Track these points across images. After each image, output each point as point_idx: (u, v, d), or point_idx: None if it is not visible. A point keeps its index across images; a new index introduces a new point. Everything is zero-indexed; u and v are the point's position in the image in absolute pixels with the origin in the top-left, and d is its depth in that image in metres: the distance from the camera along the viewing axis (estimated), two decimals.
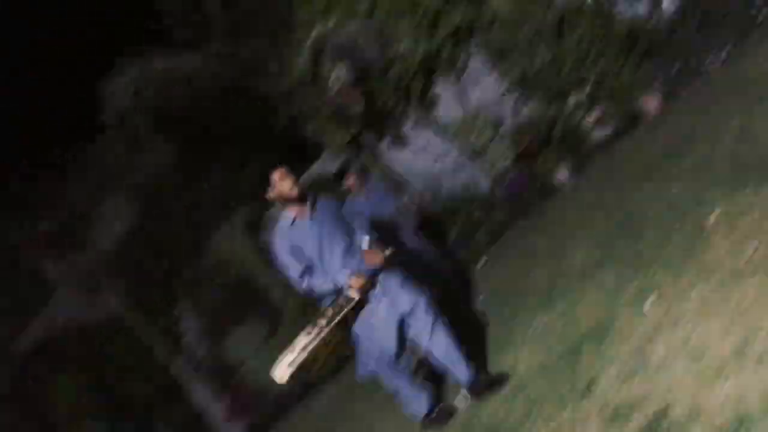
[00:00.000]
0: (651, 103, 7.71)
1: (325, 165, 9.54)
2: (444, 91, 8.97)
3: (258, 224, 10.37)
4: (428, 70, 8.68)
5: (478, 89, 8.89)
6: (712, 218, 3.98)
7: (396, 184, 9.12)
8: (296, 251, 4.26)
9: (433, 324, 4.24)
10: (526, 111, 8.51)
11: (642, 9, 8.19)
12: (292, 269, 4.28)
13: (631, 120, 7.91)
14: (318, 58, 8.50)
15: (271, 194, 4.32)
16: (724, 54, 7.47)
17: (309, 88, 8.73)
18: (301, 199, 4.32)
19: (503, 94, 8.64)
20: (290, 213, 4.33)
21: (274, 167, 4.33)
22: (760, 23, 7.35)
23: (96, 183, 10.63)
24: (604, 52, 7.88)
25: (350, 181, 6.69)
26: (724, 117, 5.51)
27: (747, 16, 7.49)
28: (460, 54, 8.71)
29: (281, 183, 4.27)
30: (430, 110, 9.05)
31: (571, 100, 8.23)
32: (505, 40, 8.27)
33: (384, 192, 7.76)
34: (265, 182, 4.33)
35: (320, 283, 4.24)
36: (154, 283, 10.99)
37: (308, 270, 4.25)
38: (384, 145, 9.39)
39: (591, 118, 8.16)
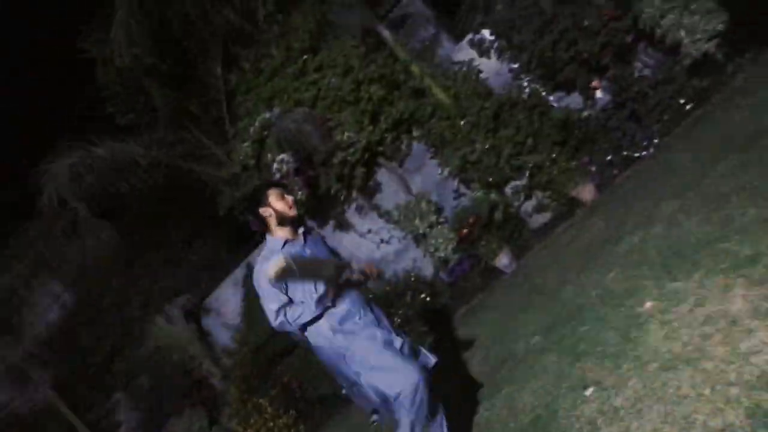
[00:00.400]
0: (586, 190, 7.97)
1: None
2: (387, 177, 9.13)
3: (198, 310, 10.20)
4: (371, 156, 8.85)
5: (420, 175, 9.09)
6: (646, 306, 4.08)
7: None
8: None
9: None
10: (467, 197, 8.71)
11: (576, 100, 8.57)
12: (273, 300, 3.87)
13: (568, 207, 8.15)
14: (262, 144, 8.58)
15: (266, 213, 4.01)
16: (654, 142, 7.81)
17: (253, 173, 8.78)
18: (297, 220, 4.11)
19: (444, 181, 8.84)
20: (281, 236, 4.03)
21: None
22: (688, 112, 7.75)
23: (29, 268, 10.35)
24: (540, 142, 8.16)
25: None
26: (654, 205, 5.73)
27: (676, 105, 7.89)
28: (402, 142, 8.93)
29: (280, 202, 4.01)
30: (374, 196, 9.18)
31: (510, 187, 8.47)
32: (445, 131, 8.51)
33: None
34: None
35: (299, 312, 3.86)
36: (88, 371, 10.65)
37: (289, 303, 3.88)
38: (327, 229, 9.45)
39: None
